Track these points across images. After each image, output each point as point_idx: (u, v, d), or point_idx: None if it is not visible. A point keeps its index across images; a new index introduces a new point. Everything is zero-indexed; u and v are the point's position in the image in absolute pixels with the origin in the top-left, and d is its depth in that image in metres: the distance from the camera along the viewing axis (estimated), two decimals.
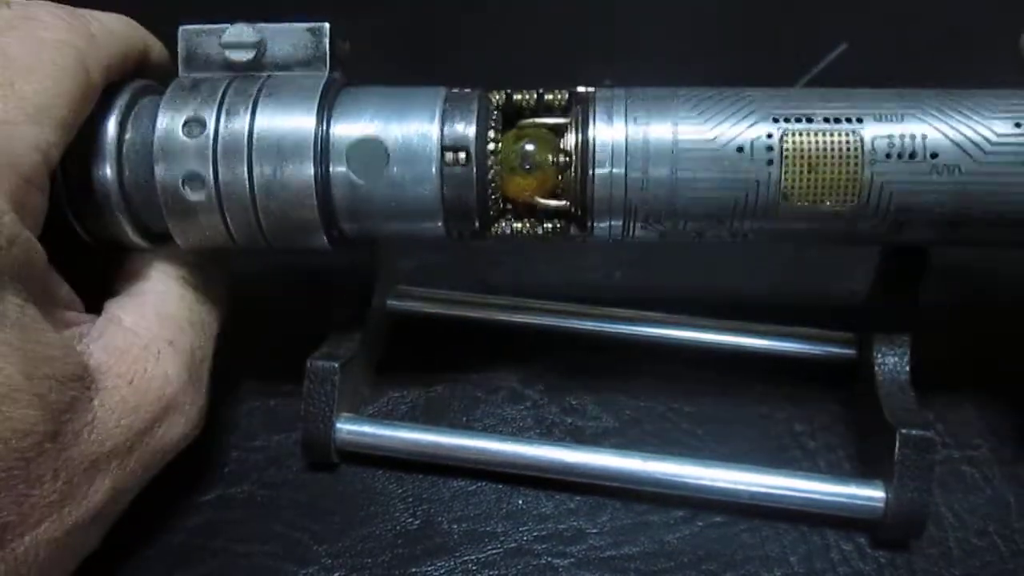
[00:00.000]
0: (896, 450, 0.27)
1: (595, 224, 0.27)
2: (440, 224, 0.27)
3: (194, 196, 0.26)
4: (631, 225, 0.27)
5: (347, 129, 0.26)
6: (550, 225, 0.28)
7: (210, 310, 0.30)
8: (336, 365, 0.30)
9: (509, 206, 0.28)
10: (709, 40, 0.52)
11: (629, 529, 0.29)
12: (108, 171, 0.27)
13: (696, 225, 0.27)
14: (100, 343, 0.26)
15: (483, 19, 0.53)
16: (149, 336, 0.27)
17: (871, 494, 0.28)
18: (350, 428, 0.30)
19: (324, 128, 0.26)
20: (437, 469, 0.31)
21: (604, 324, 0.34)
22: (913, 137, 0.25)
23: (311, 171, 0.26)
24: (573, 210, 0.27)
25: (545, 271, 0.39)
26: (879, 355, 0.30)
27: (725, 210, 0.26)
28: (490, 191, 0.27)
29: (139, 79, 0.29)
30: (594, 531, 0.29)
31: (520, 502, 0.30)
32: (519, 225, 0.28)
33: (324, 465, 0.31)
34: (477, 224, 0.27)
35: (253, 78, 0.27)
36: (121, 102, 0.27)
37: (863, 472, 0.29)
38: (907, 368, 0.29)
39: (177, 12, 0.28)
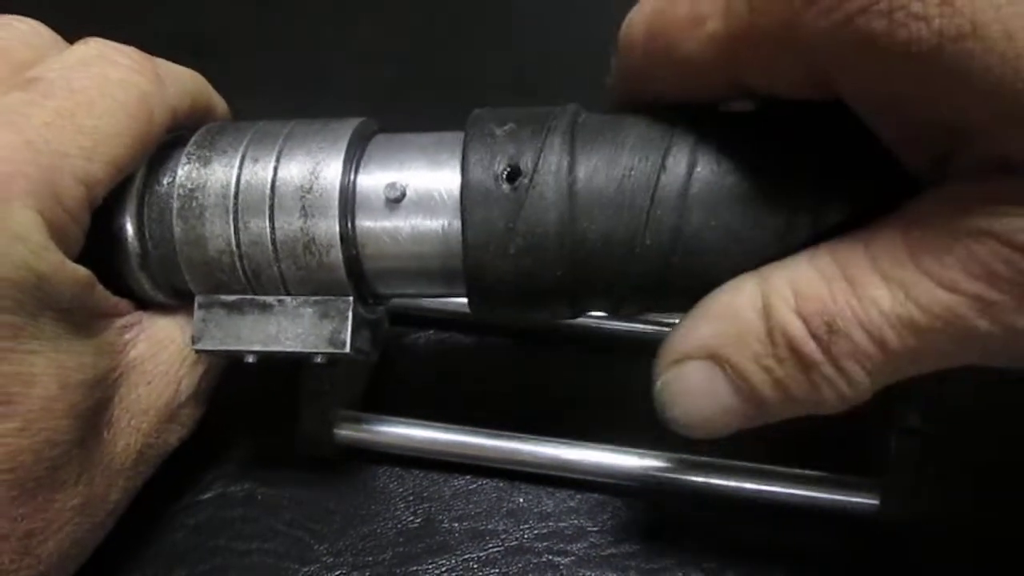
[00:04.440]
0: (892, 448, 0.28)
1: None
2: None
3: None
4: None
5: None
6: None
7: None
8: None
9: None
10: None
11: (630, 527, 0.29)
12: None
13: None
14: (146, 333, 0.26)
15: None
16: (186, 336, 0.27)
17: (867, 491, 0.28)
18: (350, 425, 0.30)
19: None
20: (438, 466, 0.31)
21: (605, 322, 0.34)
22: None
23: None
24: None
25: None
26: None
27: None
28: None
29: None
30: (595, 529, 0.29)
31: (521, 500, 0.30)
32: None
33: (324, 462, 0.31)
34: None
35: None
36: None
37: (860, 470, 0.29)
38: None
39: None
